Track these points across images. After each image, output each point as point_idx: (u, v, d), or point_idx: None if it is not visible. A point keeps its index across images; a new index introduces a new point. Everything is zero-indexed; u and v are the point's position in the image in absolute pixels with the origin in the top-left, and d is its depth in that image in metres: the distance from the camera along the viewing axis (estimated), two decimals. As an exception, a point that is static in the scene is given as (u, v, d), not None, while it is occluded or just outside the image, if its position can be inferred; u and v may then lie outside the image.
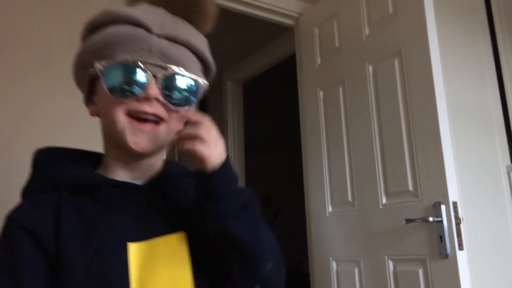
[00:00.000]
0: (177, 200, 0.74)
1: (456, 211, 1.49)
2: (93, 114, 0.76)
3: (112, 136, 0.71)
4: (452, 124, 1.68)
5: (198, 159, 0.66)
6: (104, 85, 0.68)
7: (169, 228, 0.70)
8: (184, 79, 0.70)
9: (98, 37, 0.72)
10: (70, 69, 0.82)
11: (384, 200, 1.76)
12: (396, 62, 1.75)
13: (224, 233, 0.65)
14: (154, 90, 0.67)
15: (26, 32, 1.66)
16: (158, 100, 0.68)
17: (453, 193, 1.51)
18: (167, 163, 0.79)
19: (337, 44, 2.08)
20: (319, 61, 2.20)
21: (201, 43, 0.76)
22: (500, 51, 2.15)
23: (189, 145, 0.67)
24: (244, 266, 0.67)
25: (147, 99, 0.67)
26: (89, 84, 0.74)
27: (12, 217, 0.68)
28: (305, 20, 2.32)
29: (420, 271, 1.58)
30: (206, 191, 0.67)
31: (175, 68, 0.69)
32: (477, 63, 2.08)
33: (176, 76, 0.69)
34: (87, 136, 1.70)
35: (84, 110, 0.80)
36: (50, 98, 1.66)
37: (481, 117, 2.00)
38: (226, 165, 0.68)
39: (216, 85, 3.43)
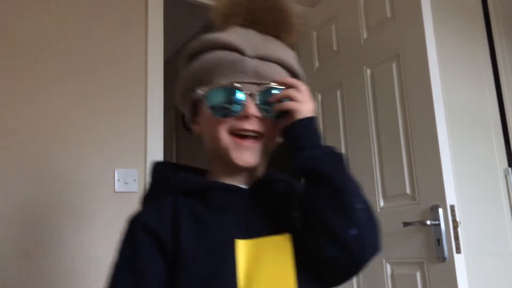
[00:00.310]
0: (277, 202, 0.79)
1: (453, 215, 1.50)
2: (197, 133, 0.84)
3: (216, 152, 0.79)
4: (449, 127, 1.69)
5: (289, 114, 0.75)
6: (206, 107, 0.76)
7: (273, 229, 0.74)
8: (277, 92, 0.77)
9: (196, 64, 0.80)
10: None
11: (381, 203, 1.76)
12: (394, 66, 1.76)
13: (315, 173, 0.70)
14: (252, 109, 0.75)
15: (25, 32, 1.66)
16: (256, 117, 0.76)
17: (451, 197, 1.51)
18: (267, 170, 0.85)
19: (335, 47, 2.09)
20: (317, 64, 2.20)
21: (290, 57, 0.82)
22: (498, 55, 2.15)
23: (282, 104, 0.75)
24: (338, 206, 0.69)
25: (247, 117, 0.75)
26: (191, 107, 0.83)
27: (135, 220, 0.76)
28: (303, 24, 2.32)
29: (418, 274, 1.58)
30: (292, 141, 0.74)
31: (268, 84, 0.76)
32: (474, 66, 2.09)
33: (271, 91, 0.76)
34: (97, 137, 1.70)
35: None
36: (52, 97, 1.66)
37: (478, 121, 2.01)
38: (313, 120, 0.76)
39: (214, 88, 3.42)
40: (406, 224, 1.58)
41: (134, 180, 1.74)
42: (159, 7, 1.95)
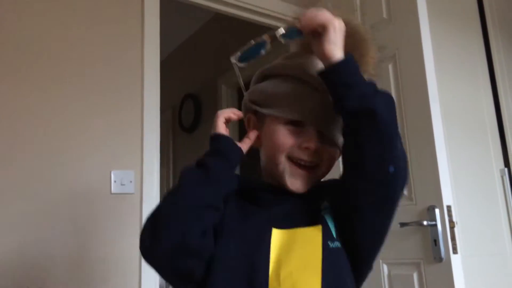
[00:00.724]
0: (316, 201, 0.84)
1: (450, 215, 1.50)
2: (255, 145, 0.90)
3: (271, 170, 0.85)
4: (446, 128, 1.69)
5: (322, 32, 0.75)
6: (238, 61, 0.84)
7: (309, 223, 0.79)
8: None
9: (268, 84, 0.87)
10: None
11: (378, 204, 1.76)
12: (390, 66, 1.76)
13: (366, 112, 0.72)
14: (313, 143, 0.80)
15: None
16: (316, 149, 0.81)
17: (447, 197, 1.52)
18: None
19: (331, 48, 2.08)
20: (313, 65, 2.20)
21: None
22: (493, 55, 2.16)
23: (313, 19, 0.77)
24: (383, 145, 0.72)
25: (307, 148, 0.80)
26: (250, 117, 0.91)
27: None
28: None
29: (415, 275, 1.58)
30: (339, 79, 0.74)
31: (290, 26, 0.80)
32: (470, 67, 2.09)
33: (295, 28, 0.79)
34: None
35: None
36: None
37: (474, 121, 2.01)
38: (351, 55, 0.76)
39: (211, 89, 3.43)
40: (402, 224, 1.59)
41: (131, 182, 1.74)
42: (156, 7, 1.95)
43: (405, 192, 1.64)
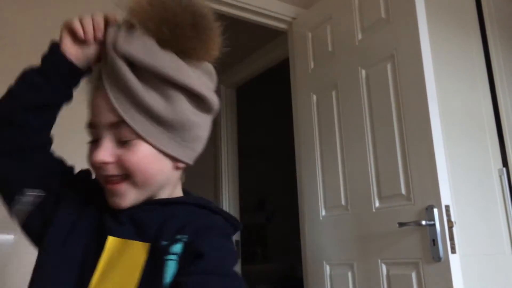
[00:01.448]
0: (159, 219, 0.73)
1: (448, 215, 1.50)
2: None
3: None
4: (444, 128, 1.69)
5: None
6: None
7: (141, 237, 0.71)
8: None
9: None
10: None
11: (377, 204, 1.76)
12: (389, 66, 1.77)
13: None
14: (101, 155, 0.70)
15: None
16: (107, 162, 0.70)
17: (446, 197, 1.52)
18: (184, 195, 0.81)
19: (330, 48, 2.09)
20: (312, 65, 2.21)
21: (163, 63, 0.73)
22: (492, 55, 2.17)
23: None
24: None
25: (100, 163, 0.70)
26: None
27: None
28: (299, 24, 2.33)
29: (413, 275, 1.58)
30: None
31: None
32: (469, 67, 2.10)
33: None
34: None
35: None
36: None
37: (473, 121, 2.01)
38: None
39: (209, 89, 3.42)
40: (401, 224, 1.59)
41: (129, 182, 1.73)
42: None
43: (404, 192, 1.65)
